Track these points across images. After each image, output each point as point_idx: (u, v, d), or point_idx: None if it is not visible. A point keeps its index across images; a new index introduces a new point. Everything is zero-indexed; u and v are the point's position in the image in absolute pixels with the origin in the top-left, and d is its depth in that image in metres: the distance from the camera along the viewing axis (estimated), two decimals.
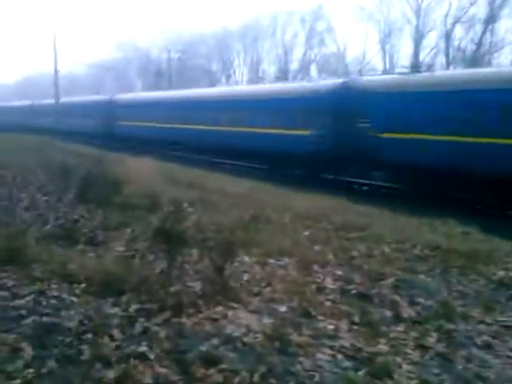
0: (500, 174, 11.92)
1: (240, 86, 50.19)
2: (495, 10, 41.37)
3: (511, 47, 42.31)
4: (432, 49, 46.78)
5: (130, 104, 30.44)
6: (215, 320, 3.56)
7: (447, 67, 42.22)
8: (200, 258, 5.28)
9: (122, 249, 5.64)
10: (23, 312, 3.56)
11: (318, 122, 16.99)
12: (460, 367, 3.39)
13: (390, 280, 5.06)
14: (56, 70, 37.05)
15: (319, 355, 3.30)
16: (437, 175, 13.44)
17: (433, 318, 4.28)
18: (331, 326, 3.85)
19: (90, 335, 3.25)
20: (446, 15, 44.45)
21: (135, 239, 6.08)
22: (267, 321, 3.67)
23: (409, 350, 3.66)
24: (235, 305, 3.88)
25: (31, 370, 2.85)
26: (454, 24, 44.39)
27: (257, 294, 4.31)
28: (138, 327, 3.38)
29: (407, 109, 14.18)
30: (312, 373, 3.08)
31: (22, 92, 78.72)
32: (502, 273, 5.66)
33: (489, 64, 40.65)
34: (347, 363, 3.29)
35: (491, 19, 41.79)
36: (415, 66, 32.20)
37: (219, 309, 3.75)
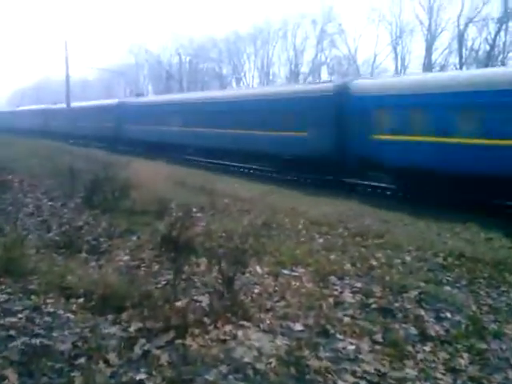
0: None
1: (245, 88, 49.83)
2: (509, 9, 40.59)
3: None
4: (444, 49, 46.09)
5: (137, 108, 30.25)
6: (223, 341, 3.19)
7: (460, 68, 41.53)
8: (208, 268, 4.95)
9: (126, 258, 5.32)
10: (13, 332, 3.23)
11: (318, 123, 16.53)
12: None
13: (413, 293, 4.67)
14: (67, 75, 37.06)
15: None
16: (431, 176, 13.02)
17: (462, 335, 3.91)
18: (352, 347, 3.48)
19: (83, 359, 2.91)
20: (459, 15, 43.80)
21: (141, 247, 5.76)
22: (281, 342, 3.30)
23: (439, 375, 3.29)
24: (245, 323, 3.52)
25: None
26: (466, 24, 43.67)
27: (269, 310, 3.95)
28: (138, 350, 3.02)
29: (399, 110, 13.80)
30: None
31: (36, 97, 79.43)
32: None
33: (502, 64, 39.96)
34: None
35: (505, 18, 41.02)
36: (427, 68, 31.66)
37: (228, 328, 3.38)
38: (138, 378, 2.73)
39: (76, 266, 4.83)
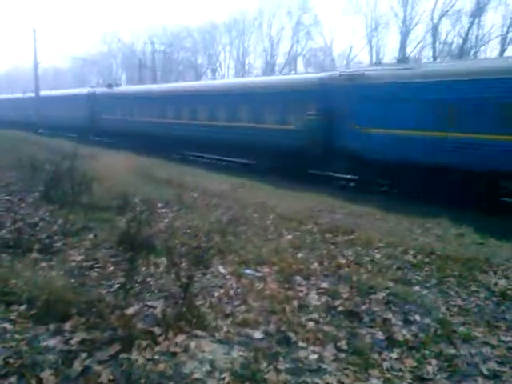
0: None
1: (224, 79, 49.31)
2: (481, 4, 41.01)
3: (498, 41, 42.08)
4: (419, 42, 46.42)
5: (110, 97, 29.53)
6: (173, 354, 2.92)
7: (434, 61, 41.84)
8: (168, 269, 4.65)
9: (79, 258, 4.97)
10: None
11: (303, 116, 16.42)
12: None
13: (382, 294, 4.48)
14: (36, 63, 35.81)
15: None
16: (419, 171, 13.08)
17: (431, 340, 3.74)
18: (314, 356, 3.26)
19: (13, 379, 2.60)
20: (433, 8, 44.12)
21: (97, 246, 5.41)
22: (237, 353, 3.05)
23: None
24: (200, 332, 3.25)
25: None
26: (440, 17, 44.02)
27: (228, 316, 3.69)
28: (77, 366, 2.73)
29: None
30: None
31: (5, 85, 77.06)
32: (503, 282, 5.15)
33: (475, 57, 40.40)
34: None
35: (478, 12, 41.45)
36: (402, 60, 31.88)
37: (180, 338, 3.11)
38: None
39: (23, 268, 4.47)
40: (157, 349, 2.95)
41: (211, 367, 2.83)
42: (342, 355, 3.36)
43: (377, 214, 8.99)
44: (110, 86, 31.80)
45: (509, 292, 4.82)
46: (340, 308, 4.14)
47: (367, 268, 5.24)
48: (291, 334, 3.50)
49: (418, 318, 4.10)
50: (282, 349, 3.28)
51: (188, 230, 6.44)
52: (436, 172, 12.68)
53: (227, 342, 3.21)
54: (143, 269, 4.63)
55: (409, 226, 8.02)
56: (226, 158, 21.60)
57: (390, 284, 4.75)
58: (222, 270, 4.88)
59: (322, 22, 54.87)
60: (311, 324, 3.76)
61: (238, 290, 4.30)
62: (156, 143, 24.71)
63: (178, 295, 3.86)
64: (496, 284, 5.05)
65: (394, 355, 3.45)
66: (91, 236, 5.78)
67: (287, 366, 3.07)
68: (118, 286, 4.16)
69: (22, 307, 3.60)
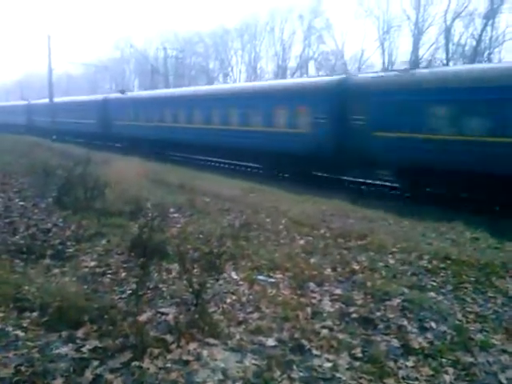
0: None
1: (234, 83, 49.40)
2: (495, 5, 40.60)
3: None
4: (431, 44, 46.07)
5: (123, 103, 29.70)
6: (186, 363, 2.89)
7: (447, 63, 41.51)
8: (180, 275, 4.62)
9: (92, 264, 4.97)
10: None
11: (314, 120, 16.33)
12: None
13: (397, 300, 4.40)
14: (50, 70, 36.18)
15: None
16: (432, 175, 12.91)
17: (447, 348, 3.65)
18: (328, 364, 3.20)
19: None
20: (446, 10, 43.77)
21: (109, 252, 5.41)
22: (250, 362, 3.00)
23: None
24: (212, 340, 3.22)
25: None
26: (453, 19, 43.67)
27: (241, 323, 3.65)
28: (89, 375, 2.71)
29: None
30: None
31: (19, 92, 78.03)
32: None
33: (488, 60, 40.06)
34: None
35: (491, 14, 41.03)
36: (414, 63, 31.59)
37: (192, 346, 3.07)
38: None
39: (36, 274, 4.48)
40: (169, 357, 2.92)
41: (224, 376, 2.79)
42: (357, 363, 3.29)
43: (390, 219, 8.89)
44: (122, 91, 32.02)
45: None
46: (354, 315, 4.08)
47: (381, 274, 5.16)
48: (305, 342, 3.45)
49: (433, 324, 4.02)
50: (296, 357, 3.23)
51: (200, 235, 6.42)
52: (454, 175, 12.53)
53: (240, 349, 3.17)
54: (155, 275, 4.62)
55: (423, 230, 7.91)
56: (234, 162, 21.58)
57: (405, 290, 4.67)
58: (234, 275, 4.85)
59: (333, 26, 54.76)
60: (325, 331, 3.70)
61: (251, 297, 4.26)
62: (167, 148, 24.81)
63: (190, 302, 3.83)
64: None
65: (410, 363, 3.38)
66: (104, 242, 5.78)
67: (301, 374, 3.02)
68: (130, 292, 4.15)
69: (35, 314, 3.60)
